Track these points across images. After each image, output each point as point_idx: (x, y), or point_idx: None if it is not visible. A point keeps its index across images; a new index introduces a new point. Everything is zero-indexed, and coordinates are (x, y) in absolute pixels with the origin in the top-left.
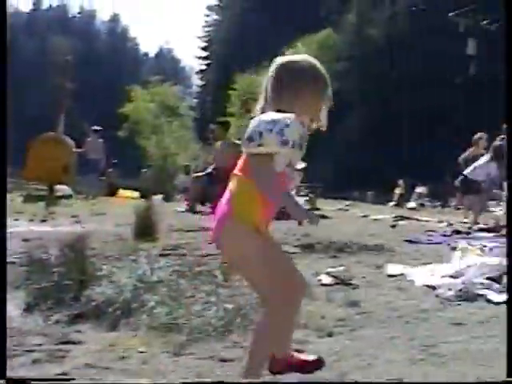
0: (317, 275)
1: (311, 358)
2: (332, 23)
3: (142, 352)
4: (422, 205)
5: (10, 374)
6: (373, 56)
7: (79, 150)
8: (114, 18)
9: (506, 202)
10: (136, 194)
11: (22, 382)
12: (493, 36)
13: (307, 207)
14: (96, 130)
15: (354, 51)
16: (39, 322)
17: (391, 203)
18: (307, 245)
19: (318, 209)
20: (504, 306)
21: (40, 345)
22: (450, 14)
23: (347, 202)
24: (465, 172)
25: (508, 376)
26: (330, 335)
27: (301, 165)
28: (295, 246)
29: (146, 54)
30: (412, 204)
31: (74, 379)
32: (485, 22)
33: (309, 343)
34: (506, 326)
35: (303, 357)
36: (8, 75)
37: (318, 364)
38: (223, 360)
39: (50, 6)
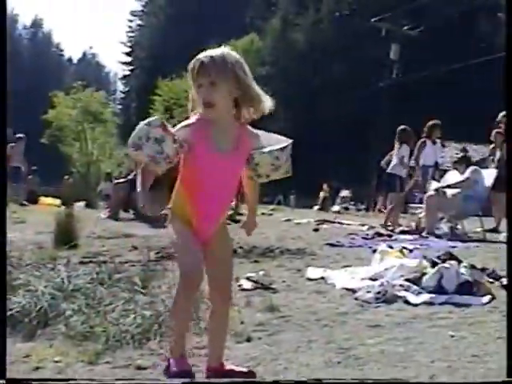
0: (237, 280)
1: (244, 370)
2: (257, 28)
3: (57, 362)
4: (347, 208)
5: None
6: (297, 61)
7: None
8: (37, 23)
9: (506, 204)
10: (57, 201)
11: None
12: (414, 41)
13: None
14: (20, 138)
15: (278, 56)
16: None
17: (316, 207)
18: None
19: (241, 214)
20: (422, 308)
21: None
22: (373, 20)
23: (271, 207)
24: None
25: (508, 376)
26: (248, 340)
27: (284, 142)
28: None
29: (69, 60)
30: (336, 208)
31: (74, 379)
32: (406, 28)
33: (227, 349)
34: (506, 325)
35: (236, 368)
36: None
37: (250, 376)
38: (140, 368)
39: None
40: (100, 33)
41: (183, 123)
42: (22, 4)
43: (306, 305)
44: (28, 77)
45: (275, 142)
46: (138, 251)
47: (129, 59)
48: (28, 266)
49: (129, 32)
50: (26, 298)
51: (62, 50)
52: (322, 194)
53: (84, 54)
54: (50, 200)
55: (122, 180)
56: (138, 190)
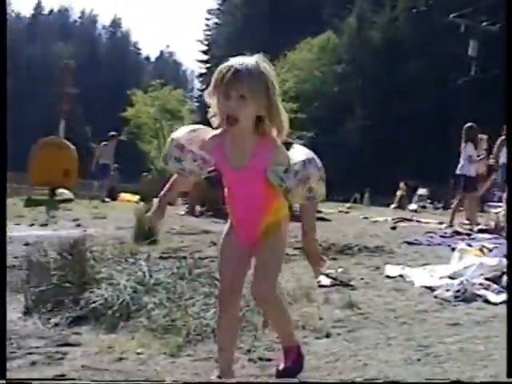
0: (316, 277)
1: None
2: (333, 27)
3: (139, 354)
4: (424, 207)
5: (7, 375)
6: (373, 58)
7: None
8: (116, 23)
9: (506, 202)
10: (136, 197)
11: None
12: (494, 37)
13: None
14: (113, 136)
15: (354, 54)
16: (38, 325)
17: (392, 205)
18: None
19: (318, 211)
20: (502, 307)
21: (38, 347)
22: (451, 16)
23: (348, 205)
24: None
25: (508, 376)
26: (327, 336)
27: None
28: (295, 248)
29: (147, 58)
30: (413, 206)
31: (73, 379)
32: (486, 23)
33: (306, 344)
34: (506, 326)
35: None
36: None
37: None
38: None
39: (51, 10)
40: (177, 31)
41: (210, 135)
42: (101, 4)
43: (385, 302)
44: (107, 75)
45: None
46: (216, 247)
47: (205, 57)
48: (110, 261)
49: (206, 30)
50: (108, 292)
51: (139, 49)
52: (398, 193)
53: (161, 53)
54: (129, 196)
55: None
56: (162, 193)
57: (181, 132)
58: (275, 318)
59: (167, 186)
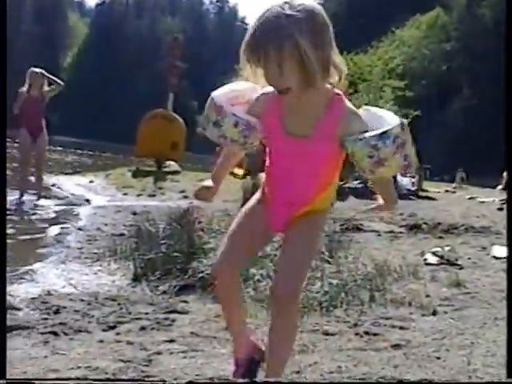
0: (422, 255)
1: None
2: (442, 4)
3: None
4: None
5: (117, 338)
6: (483, 36)
7: None
8: None
9: (506, 200)
10: (241, 171)
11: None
12: None
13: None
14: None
15: (463, 31)
16: (147, 292)
17: (499, 187)
18: (413, 225)
19: (424, 190)
20: None
21: (147, 313)
22: None
23: (454, 185)
24: None
25: (508, 376)
26: (434, 314)
27: (387, 126)
28: (401, 226)
29: None
30: None
31: (72, 379)
32: None
33: (413, 321)
34: (506, 326)
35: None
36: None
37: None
38: (326, 333)
39: None
40: None
41: (258, 93)
42: None
43: (492, 282)
44: (214, 50)
45: (378, 126)
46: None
47: None
48: (217, 232)
49: None
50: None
51: (247, 24)
52: (505, 174)
53: None
54: (235, 170)
55: None
56: (214, 169)
57: (221, 90)
58: (284, 329)
59: (219, 160)
